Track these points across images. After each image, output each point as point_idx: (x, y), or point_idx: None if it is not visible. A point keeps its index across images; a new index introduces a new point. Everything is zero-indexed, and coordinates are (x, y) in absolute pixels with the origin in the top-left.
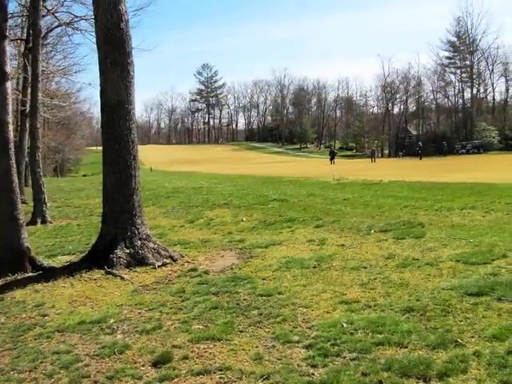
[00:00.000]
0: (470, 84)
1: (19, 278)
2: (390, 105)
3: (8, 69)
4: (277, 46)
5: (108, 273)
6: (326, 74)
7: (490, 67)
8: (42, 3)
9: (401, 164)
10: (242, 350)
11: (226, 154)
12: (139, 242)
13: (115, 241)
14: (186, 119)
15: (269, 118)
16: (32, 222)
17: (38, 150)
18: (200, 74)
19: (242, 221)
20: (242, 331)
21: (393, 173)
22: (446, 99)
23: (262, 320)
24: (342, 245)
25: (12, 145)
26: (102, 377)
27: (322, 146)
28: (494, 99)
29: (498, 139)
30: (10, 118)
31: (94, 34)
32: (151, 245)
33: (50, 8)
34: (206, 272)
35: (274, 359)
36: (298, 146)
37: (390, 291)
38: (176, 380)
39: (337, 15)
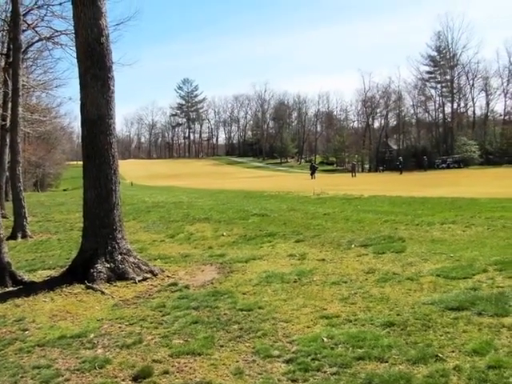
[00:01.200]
0: (450, 98)
1: None
2: (371, 119)
3: None
4: (257, 60)
5: (88, 287)
6: (307, 88)
7: (471, 82)
8: (22, 18)
9: (381, 179)
10: (223, 364)
11: (206, 168)
12: (120, 256)
13: (96, 255)
14: (166, 134)
15: (249, 132)
16: (12, 237)
17: (18, 164)
18: (180, 88)
19: (223, 235)
20: (222, 346)
21: (373, 187)
22: (427, 114)
23: (243, 334)
24: (323, 259)
25: None
26: None
27: (302, 160)
28: (474, 114)
29: (479, 154)
30: None
31: (74, 48)
32: (132, 259)
33: (30, 23)
34: (187, 287)
35: (254, 374)
36: (278, 161)
37: (370, 306)
38: None
39: (319, 30)
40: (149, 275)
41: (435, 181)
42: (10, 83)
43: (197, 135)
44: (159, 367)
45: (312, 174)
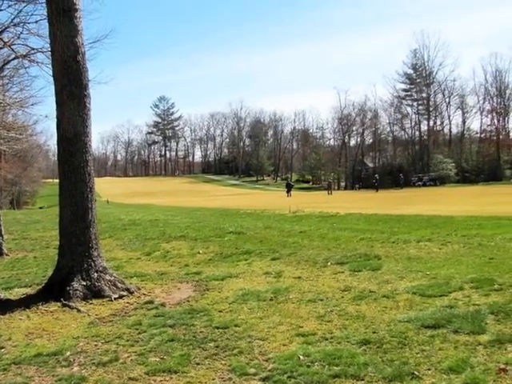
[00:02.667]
0: (426, 116)
1: None
2: (347, 137)
3: None
4: (233, 78)
5: (65, 305)
6: (283, 106)
7: (447, 99)
8: None
9: (357, 196)
10: (199, 382)
11: (182, 186)
12: (96, 274)
13: (72, 273)
14: (142, 151)
15: (225, 150)
16: None
17: None
18: (157, 106)
19: (199, 253)
20: (198, 363)
21: (349, 205)
22: (403, 131)
23: (219, 352)
24: (299, 277)
25: None
26: None
27: (278, 178)
28: (450, 131)
29: (455, 171)
30: None
31: (50, 66)
32: (108, 277)
33: (6, 40)
34: (163, 304)
35: None
36: (254, 179)
37: (346, 323)
38: None
39: (294, 47)
40: (125, 293)
41: (411, 199)
42: None
43: (173, 153)
44: None
45: (288, 191)
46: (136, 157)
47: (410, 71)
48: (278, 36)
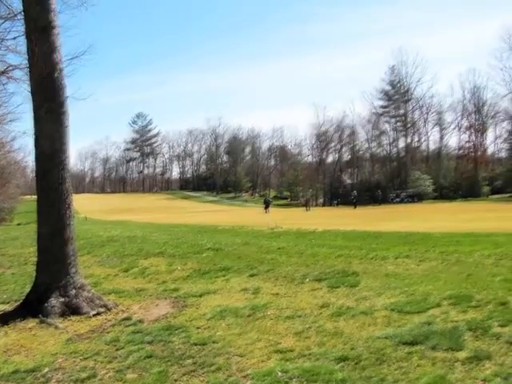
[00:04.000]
0: (404, 133)
1: None
2: (325, 154)
3: None
4: (211, 94)
5: (42, 322)
6: (261, 122)
7: (425, 116)
8: None
9: (335, 213)
10: None
11: (160, 202)
12: (74, 291)
13: (49, 290)
14: (120, 168)
15: (203, 166)
16: None
17: None
18: (135, 122)
19: (177, 269)
20: (176, 380)
21: (327, 221)
22: (381, 148)
23: (197, 369)
24: (277, 293)
25: None
26: None
27: (256, 194)
28: (428, 148)
29: (433, 188)
30: None
31: (28, 83)
32: (86, 294)
33: None
34: (141, 321)
35: None
36: (232, 195)
37: (324, 340)
38: None
39: (270, 64)
40: (103, 309)
41: (389, 215)
42: None
43: (151, 169)
44: None
45: (266, 208)
46: (114, 173)
47: (388, 87)
48: (255, 52)
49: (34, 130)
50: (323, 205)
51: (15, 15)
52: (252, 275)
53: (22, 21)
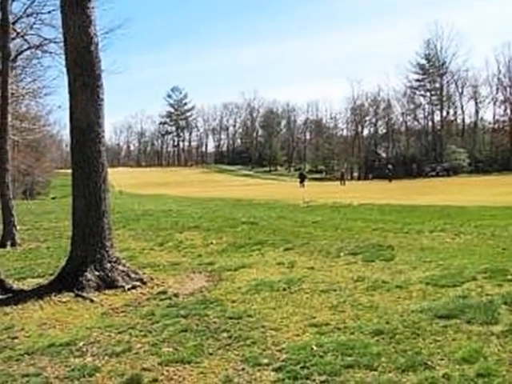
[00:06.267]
0: (439, 107)
1: None
2: (360, 127)
3: None
4: (247, 68)
5: (77, 295)
6: (296, 96)
7: (460, 90)
8: (11, 26)
9: (370, 187)
10: (212, 372)
11: (195, 176)
12: (109, 264)
13: (85, 263)
14: (155, 142)
15: (238, 140)
16: (1, 245)
17: (7, 172)
18: (170, 96)
19: (212, 243)
20: (211, 354)
21: (362, 195)
22: (416, 122)
23: (232, 343)
24: (312, 267)
25: None
26: None
27: (291, 168)
28: (463, 122)
29: (468, 162)
30: None
31: (63, 56)
32: (121, 267)
33: (19, 31)
34: (176, 295)
35: (243, 382)
36: (267, 169)
37: (359, 314)
38: None
39: (307, 37)
40: (138, 283)
41: (424, 189)
42: None
43: (186, 143)
44: (148, 375)
45: (301, 182)
46: (149, 147)
47: (423, 61)
48: (291, 26)
49: (69, 104)
50: (358, 179)
51: None
52: (287, 249)
53: None
